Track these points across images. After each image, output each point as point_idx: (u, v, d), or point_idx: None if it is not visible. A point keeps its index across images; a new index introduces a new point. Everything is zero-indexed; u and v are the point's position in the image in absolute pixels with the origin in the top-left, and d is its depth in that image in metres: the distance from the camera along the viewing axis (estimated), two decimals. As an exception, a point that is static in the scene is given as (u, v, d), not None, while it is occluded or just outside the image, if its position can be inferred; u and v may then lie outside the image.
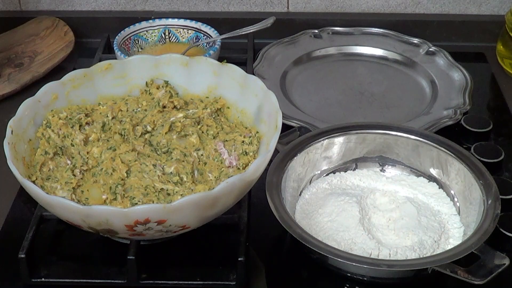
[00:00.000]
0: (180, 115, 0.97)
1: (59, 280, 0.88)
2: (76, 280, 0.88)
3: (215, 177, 0.91)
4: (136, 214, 0.76)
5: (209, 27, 1.26)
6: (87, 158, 0.92)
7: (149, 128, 0.96)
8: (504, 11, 1.34)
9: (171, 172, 0.90)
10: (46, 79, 1.20)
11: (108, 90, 0.99)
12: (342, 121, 1.05)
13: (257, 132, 0.94)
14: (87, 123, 0.95)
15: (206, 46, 1.24)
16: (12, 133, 0.87)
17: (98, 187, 0.90)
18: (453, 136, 1.03)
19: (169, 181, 0.89)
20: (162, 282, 0.88)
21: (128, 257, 0.85)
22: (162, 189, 0.88)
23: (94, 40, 1.34)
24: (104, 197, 0.88)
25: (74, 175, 0.90)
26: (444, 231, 0.91)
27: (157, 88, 1.00)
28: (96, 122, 0.96)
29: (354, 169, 1.01)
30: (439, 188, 0.98)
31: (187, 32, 1.28)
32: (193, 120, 0.96)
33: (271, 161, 0.90)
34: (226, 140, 0.94)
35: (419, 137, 0.99)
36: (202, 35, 1.26)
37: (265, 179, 0.91)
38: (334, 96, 1.21)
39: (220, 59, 1.08)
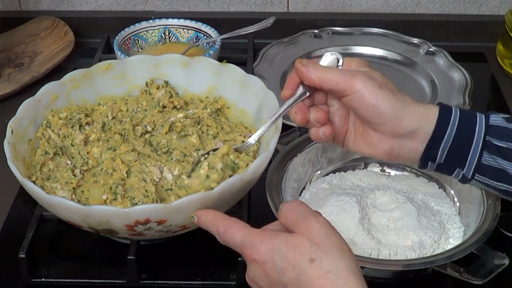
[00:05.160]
0: (180, 115, 0.97)
1: (59, 280, 0.88)
2: (76, 280, 0.88)
3: (215, 177, 0.91)
4: (136, 214, 0.76)
5: (209, 27, 1.26)
6: (87, 158, 0.92)
7: (149, 128, 0.96)
8: (504, 11, 1.34)
9: (174, 174, 0.90)
10: (46, 79, 1.20)
11: (108, 90, 0.99)
12: (342, 121, 1.04)
13: (257, 132, 0.94)
14: (87, 123, 0.95)
15: (206, 46, 1.24)
16: (12, 133, 0.87)
17: (98, 187, 0.90)
18: (453, 136, 1.03)
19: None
20: (162, 282, 0.88)
21: (128, 257, 0.85)
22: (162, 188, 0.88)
23: (94, 40, 1.34)
24: (104, 197, 0.88)
25: (74, 175, 0.90)
26: (444, 231, 0.91)
27: (157, 88, 1.00)
28: (96, 122, 0.96)
29: (354, 169, 1.01)
30: (439, 188, 0.98)
31: (187, 32, 1.28)
32: (193, 120, 0.96)
33: (271, 161, 0.90)
34: (226, 140, 0.94)
35: (419, 137, 0.99)
36: (202, 35, 1.26)
37: (265, 179, 0.91)
38: (334, 96, 1.20)
39: (220, 59, 1.08)
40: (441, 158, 0.76)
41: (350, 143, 0.80)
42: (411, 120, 0.74)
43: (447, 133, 0.75)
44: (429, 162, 0.77)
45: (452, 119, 0.75)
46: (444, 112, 0.75)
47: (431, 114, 0.75)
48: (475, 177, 0.77)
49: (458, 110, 0.75)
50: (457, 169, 0.77)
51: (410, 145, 0.76)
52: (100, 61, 1.12)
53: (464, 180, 0.77)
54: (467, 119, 0.75)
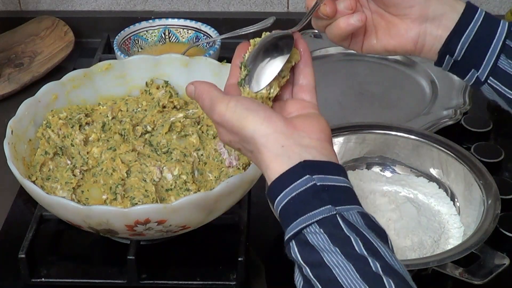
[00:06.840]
0: (180, 115, 0.97)
1: (59, 280, 0.88)
2: (76, 280, 0.88)
3: (215, 177, 0.91)
4: (136, 214, 0.76)
5: (209, 27, 1.26)
6: (87, 158, 0.92)
7: (149, 128, 0.96)
8: (504, 11, 1.34)
9: (174, 174, 0.90)
10: (46, 79, 1.20)
11: (108, 90, 0.99)
12: (342, 121, 1.05)
13: (257, 132, 0.94)
14: (87, 123, 0.95)
15: (206, 46, 1.24)
16: (12, 133, 0.87)
17: (98, 187, 0.90)
18: (453, 136, 1.03)
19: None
20: (162, 282, 0.88)
21: (128, 257, 0.85)
22: (162, 188, 0.88)
23: (94, 40, 1.34)
24: (104, 197, 0.88)
25: (74, 175, 0.90)
26: (444, 231, 0.91)
27: (157, 88, 1.00)
28: (96, 122, 0.96)
29: (354, 169, 1.01)
30: (439, 188, 0.98)
31: (187, 32, 1.28)
32: (193, 120, 0.96)
33: (271, 161, 0.90)
34: (226, 140, 0.94)
35: (419, 137, 0.99)
36: (202, 35, 1.26)
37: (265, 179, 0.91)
38: (334, 96, 1.21)
39: (220, 59, 1.08)
40: (460, 54, 0.77)
41: (372, 42, 0.80)
42: (439, 5, 0.76)
43: (469, 27, 0.76)
44: (447, 56, 0.77)
45: (477, 15, 0.76)
46: (471, 7, 0.77)
47: (458, 6, 0.77)
48: (488, 81, 0.76)
49: (484, 11, 0.77)
50: (472, 70, 0.77)
51: (436, 32, 0.77)
52: (100, 61, 1.12)
53: (477, 83, 0.77)
54: (490, 20, 0.76)
